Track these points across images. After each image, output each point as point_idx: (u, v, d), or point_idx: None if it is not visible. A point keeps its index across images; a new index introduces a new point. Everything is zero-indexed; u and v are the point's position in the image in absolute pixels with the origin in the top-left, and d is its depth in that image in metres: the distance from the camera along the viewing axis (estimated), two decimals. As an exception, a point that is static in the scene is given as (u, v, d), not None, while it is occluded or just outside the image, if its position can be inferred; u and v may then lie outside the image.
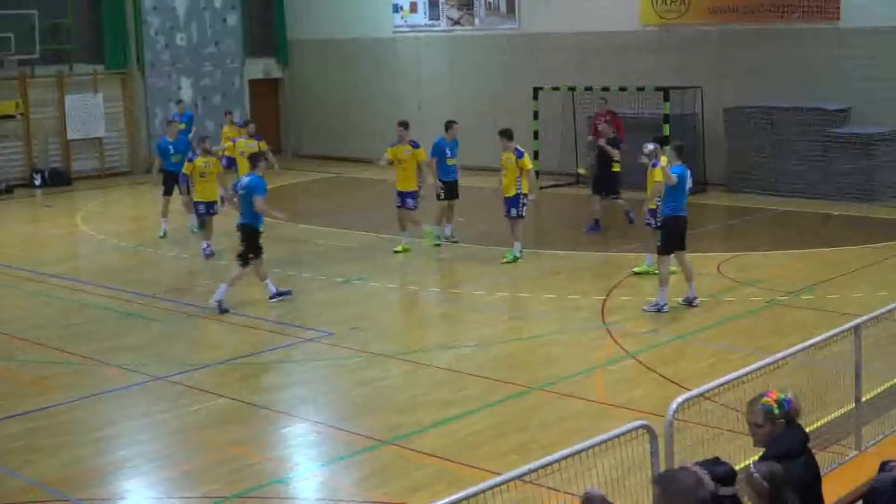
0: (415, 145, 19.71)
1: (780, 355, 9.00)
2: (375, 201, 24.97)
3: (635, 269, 17.65)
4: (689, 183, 15.54)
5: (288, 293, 16.54)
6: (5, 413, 11.89)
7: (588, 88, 26.74)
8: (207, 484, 9.92)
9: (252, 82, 34.91)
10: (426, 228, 19.79)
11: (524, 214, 18.86)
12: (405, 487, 9.71)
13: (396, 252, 19.54)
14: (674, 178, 15.08)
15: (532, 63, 29.00)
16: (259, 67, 35.11)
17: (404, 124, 19.99)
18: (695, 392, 7.97)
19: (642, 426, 7.27)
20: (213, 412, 11.90)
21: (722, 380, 8.35)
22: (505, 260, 18.61)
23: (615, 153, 20.76)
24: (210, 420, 11.68)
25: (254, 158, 17.08)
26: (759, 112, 25.13)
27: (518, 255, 18.64)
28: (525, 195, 18.68)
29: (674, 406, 7.55)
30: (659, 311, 15.24)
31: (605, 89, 26.11)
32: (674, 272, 17.33)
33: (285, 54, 35.34)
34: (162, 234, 21.73)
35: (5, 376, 13.45)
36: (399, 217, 19.77)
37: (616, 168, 20.85)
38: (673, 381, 12.16)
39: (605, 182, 21.01)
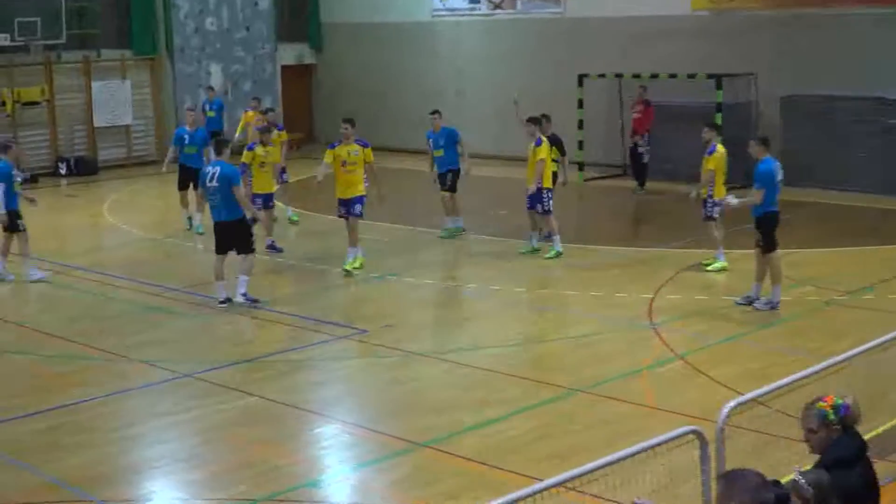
0: (364, 144, 18.30)
1: (837, 358, 8.90)
2: (411, 193, 24.94)
3: (709, 268, 17.54)
4: (780, 175, 15.42)
5: (256, 301, 15.93)
6: (28, 409, 11.94)
7: (636, 76, 26.60)
8: (235, 486, 9.91)
9: (284, 68, 34.99)
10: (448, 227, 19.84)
11: (550, 209, 18.66)
12: (441, 493, 9.67)
13: (346, 270, 17.93)
14: (759, 198, 14.95)
15: (576, 49, 28.85)
16: (291, 53, 35.20)
17: (349, 121, 18.38)
18: (748, 396, 7.89)
19: (692, 431, 7.19)
20: (241, 411, 11.91)
21: (776, 384, 8.24)
22: (547, 256, 18.53)
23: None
24: (238, 419, 11.69)
25: (219, 144, 16.39)
26: (816, 101, 24.93)
27: (560, 250, 18.55)
28: (548, 189, 18.49)
29: (726, 410, 7.46)
30: (773, 308, 15.10)
31: (654, 76, 26.01)
32: (724, 269, 17.29)
33: (319, 39, 35.38)
34: (188, 226, 21.74)
35: (28, 371, 13.52)
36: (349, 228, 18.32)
37: None
38: (724, 385, 12.06)
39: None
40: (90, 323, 15.59)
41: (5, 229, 17.90)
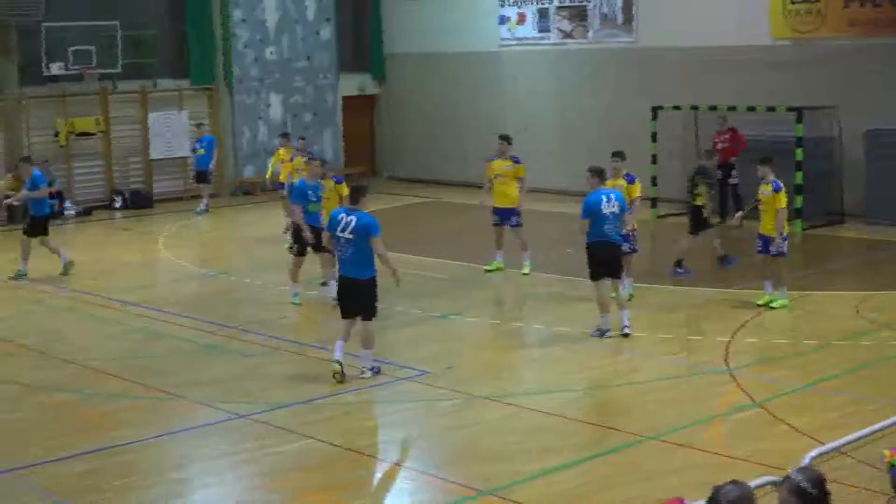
0: (516, 161, 20.12)
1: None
2: (473, 229, 24.87)
3: (775, 305, 17.50)
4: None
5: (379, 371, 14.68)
6: (71, 450, 11.94)
7: (712, 108, 26.44)
8: (287, 533, 9.85)
9: (345, 99, 35.15)
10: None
11: (637, 248, 18.53)
12: (503, 543, 9.55)
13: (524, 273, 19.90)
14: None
15: (649, 80, 28.74)
16: (353, 83, 35.35)
17: (506, 138, 20.58)
18: (830, 446, 7.73)
19: (770, 482, 7.03)
20: (296, 454, 11.84)
21: (858, 433, 8.06)
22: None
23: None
24: (293, 463, 11.62)
25: (356, 191, 14.69)
26: (903, 135, 24.63)
27: (631, 291, 18.34)
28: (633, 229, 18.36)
29: (807, 460, 7.31)
30: None
31: (732, 109, 25.83)
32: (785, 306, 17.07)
33: (381, 69, 35.54)
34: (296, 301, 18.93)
35: (73, 410, 13.57)
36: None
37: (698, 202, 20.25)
38: (804, 433, 11.82)
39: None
40: (140, 360, 15.65)
41: None
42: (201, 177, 29.86)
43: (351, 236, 14.07)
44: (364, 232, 14.04)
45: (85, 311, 18.71)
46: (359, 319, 14.38)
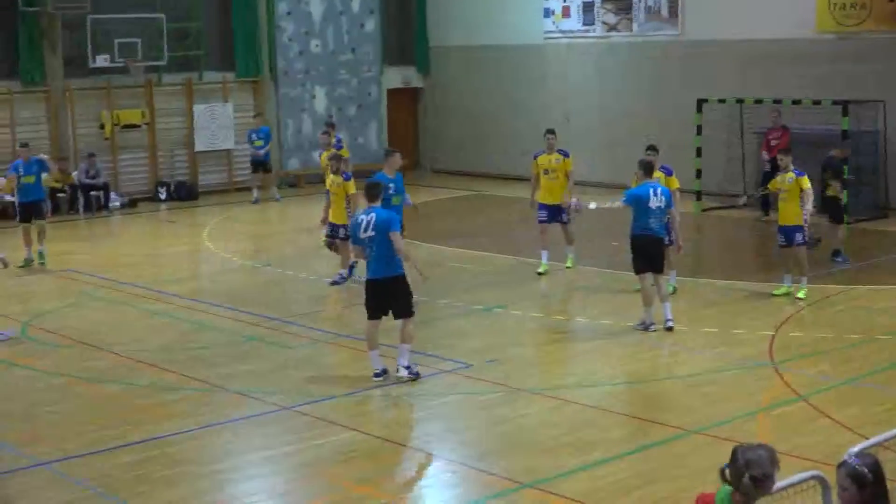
0: (565, 154, 19.87)
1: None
2: (516, 221, 24.91)
3: (800, 295, 17.64)
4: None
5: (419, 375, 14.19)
6: (118, 441, 12.07)
7: (758, 101, 26.33)
8: (331, 524, 9.92)
9: (390, 91, 35.22)
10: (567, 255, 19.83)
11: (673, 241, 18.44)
12: (545, 536, 9.59)
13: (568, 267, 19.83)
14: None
15: (694, 73, 28.66)
16: (397, 76, 35.41)
17: (552, 131, 20.23)
18: (874, 440, 7.69)
19: (814, 477, 7.03)
20: (340, 446, 11.91)
21: (904, 428, 8.04)
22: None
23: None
24: (337, 455, 11.70)
25: (371, 189, 14.21)
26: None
27: (674, 284, 18.32)
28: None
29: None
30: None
31: (777, 102, 25.71)
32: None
33: (426, 62, 35.57)
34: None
35: (120, 401, 13.68)
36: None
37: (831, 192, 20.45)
38: (848, 428, 11.82)
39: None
40: (185, 352, 15.76)
41: None
42: (259, 166, 29.95)
43: (373, 234, 13.60)
44: (385, 227, 13.58)
45: (131, 302, 18.85)
46: (397, 322, 14.04)
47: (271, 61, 32.71)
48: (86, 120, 29.91)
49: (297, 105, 33.26)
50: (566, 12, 31.75)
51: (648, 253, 16.13)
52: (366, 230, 13.64)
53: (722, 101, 27.13)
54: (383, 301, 13.92)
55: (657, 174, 17.60)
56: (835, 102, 24.91)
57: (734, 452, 6.12)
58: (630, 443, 11.86)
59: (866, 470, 5.74)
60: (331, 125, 26.99)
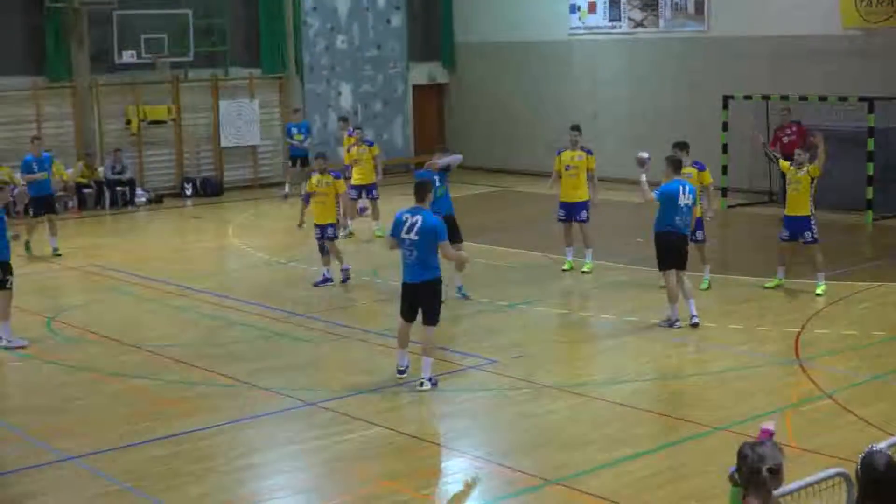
0: (588, 152, 19.82)
1: None
2: (543, 218, 24.89)
3: (818, 292, 17.80)
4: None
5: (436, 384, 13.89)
6: (147, 435, 12.17)
7: (784, 97, 26.27)
8: (358, 520, 9.97)
9: (416, 87, 35.26)
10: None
11: (704, 239, 18.39)
12: (571, 532, 9.62)
13: (584, 271, 19.65)
14: None
15: (720, 69, 28.61)
16: (423, 72, 35.45)
17: (577, 128, 20.11)
18: (900, 437, 7.71)
19: (839, 474, 7.06)
20: (365, 442, 11.98)
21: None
22: (701, 288, 18.23)
23: None
24: (362, 450, 11.76)
25: (421, 188, 13.78)
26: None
27: (707, 279, 18.38)
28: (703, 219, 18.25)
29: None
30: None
31: (803, 98, 25.65)
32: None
33: (452, 58, 35.60)
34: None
35: (148, 396, 13.78)
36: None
37: None
38: (874, 425, 11.82)
39: None
40: (212, 348, 15.85)
41: None
42: (299, 160, 29.75)
43: (416, 238, 13.24)
44: (431, 236, 13.27)
45: (158, 298, 18.97)
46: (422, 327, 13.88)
47: (297, 57, 32.79)
48: (112, 116, 30.08)
49: (323, 101, 33.33)
50: (592, 8, 31.73)
51: (672, 249, 16.14)
52: (408, 231, 13.33)
53: (748, 97, 27.09)
54: (416, 303, 13.71)
55: (689, 169, 17.62)
56: (861, 99, 24.85)
57: (742, 451, 6.17)
58: (656, 439, 11.89)
59: (882, 465, 5.79)
60: (344, 119, 27.41)
